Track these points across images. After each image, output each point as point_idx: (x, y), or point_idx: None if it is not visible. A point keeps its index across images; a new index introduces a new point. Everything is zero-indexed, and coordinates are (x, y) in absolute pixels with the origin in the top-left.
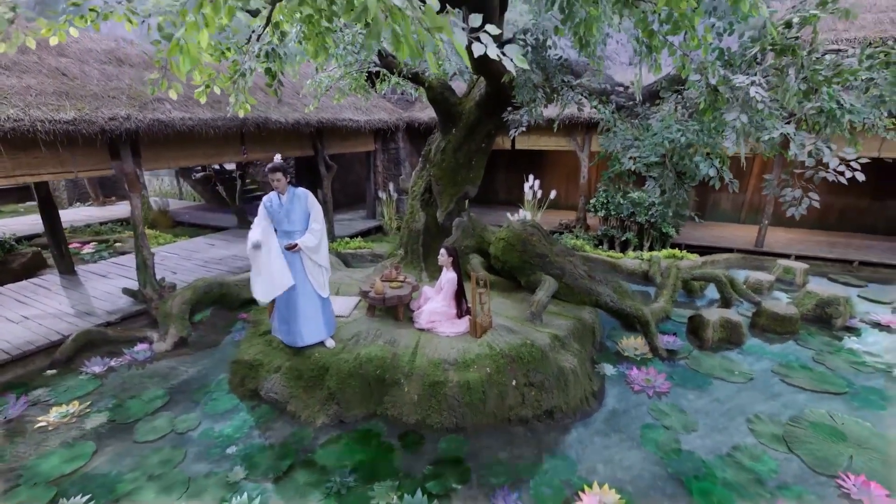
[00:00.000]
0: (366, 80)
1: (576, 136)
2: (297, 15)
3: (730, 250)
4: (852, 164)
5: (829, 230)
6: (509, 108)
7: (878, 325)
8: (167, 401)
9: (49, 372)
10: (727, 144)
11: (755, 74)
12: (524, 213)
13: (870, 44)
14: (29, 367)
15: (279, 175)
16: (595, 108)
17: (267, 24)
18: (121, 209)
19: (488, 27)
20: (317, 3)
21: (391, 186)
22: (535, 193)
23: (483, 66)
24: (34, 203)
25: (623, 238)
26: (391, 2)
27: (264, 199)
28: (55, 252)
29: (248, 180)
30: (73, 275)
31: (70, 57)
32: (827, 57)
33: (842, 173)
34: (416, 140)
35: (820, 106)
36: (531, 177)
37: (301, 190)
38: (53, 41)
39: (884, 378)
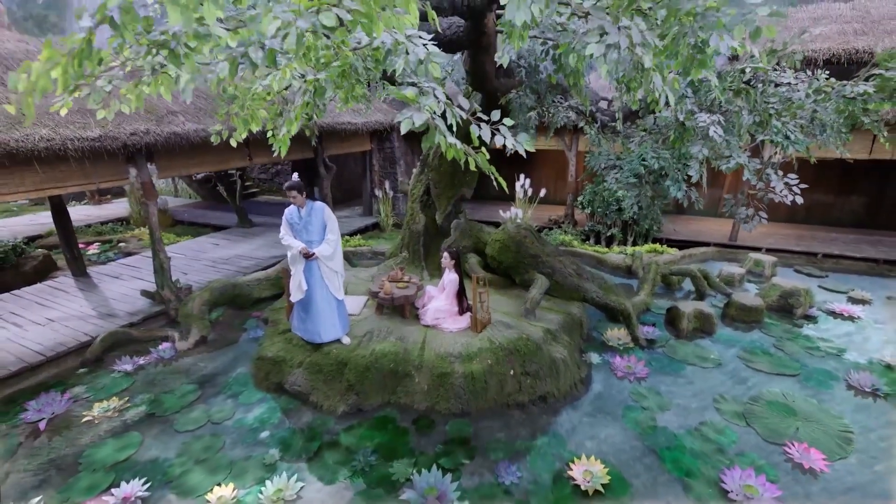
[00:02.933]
0: (366, 88)
1: (564, 137)
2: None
3: (706, 244)
4: (794, 188)
5: (798, 223)
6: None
7: (833, 314)
8: (199, 395)
9: (81, 371)
10: (691, 173)
11: (716, 112)
12: (515, 210)
13: (826, 62)
14: (62, 367)
15: (295, 193)
16: (581, 128)
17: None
18: (117, 207)
19: (505, 120)
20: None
21: (387, 184)
22: (525, 191)
23: (480, 85)
24: (26, 202)
25: (609, 234)
26: (458, 146)
27: (286, 212)
28: (68, 255)
29: (246, 179)
30: (87, 277)
31: None
32: (779, 90)
33: (786, 196)
34: (411, 139)
35: (770, 138)
36: (522, 175)
37: (318, 204)
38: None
39: (833, 360)
